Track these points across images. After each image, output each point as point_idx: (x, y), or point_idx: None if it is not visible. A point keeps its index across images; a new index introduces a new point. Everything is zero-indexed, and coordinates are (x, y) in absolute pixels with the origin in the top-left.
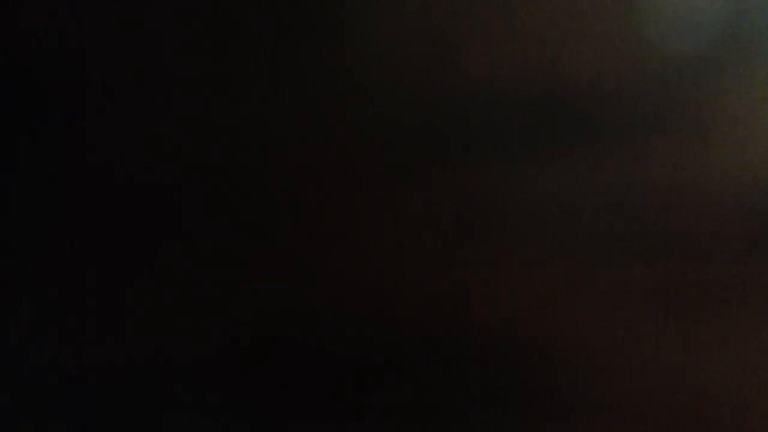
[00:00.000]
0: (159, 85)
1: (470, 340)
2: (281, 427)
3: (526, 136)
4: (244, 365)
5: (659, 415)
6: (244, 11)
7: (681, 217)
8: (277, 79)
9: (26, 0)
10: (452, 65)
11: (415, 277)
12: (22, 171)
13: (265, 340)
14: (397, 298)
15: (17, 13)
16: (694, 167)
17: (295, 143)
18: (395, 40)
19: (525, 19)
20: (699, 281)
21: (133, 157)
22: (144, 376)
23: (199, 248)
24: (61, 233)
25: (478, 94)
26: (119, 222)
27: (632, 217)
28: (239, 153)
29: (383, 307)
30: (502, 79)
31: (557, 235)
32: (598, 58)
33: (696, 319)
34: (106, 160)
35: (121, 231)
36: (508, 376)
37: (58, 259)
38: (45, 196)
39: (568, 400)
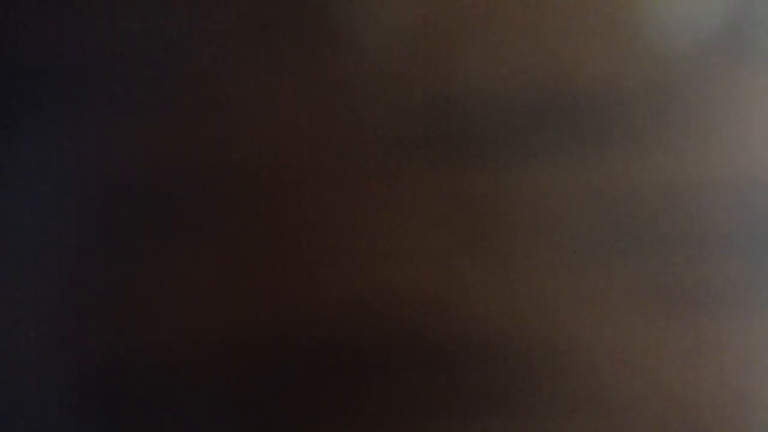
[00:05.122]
0: (158, 84)
1: (468, 340)
2: (279, 426)
3: (525, 136)
4: (242, 364)
5: (659, 415)
6: (242, 11)
7: (681, 217)
8: (277, 78)
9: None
10: (451, 65)
11: (413, 277)
12: (22, 171)
13: (264, 339)
14: (395, 298)
15: (17, 14)
16: (694, 167)
17: (294, 143)
18: (394, 39)
19: (525, 19)
20: (698, 281)
21: (133, 156)
22: (143, 375)
23: (198, 248)
24: (60, 232)
25: (477, 94)
26: (118, 221)
27: (632, 217)
28: (239, 153)
29: (381, 308)
30: (501, 79)
31: (557, 235)
32: (598, 58)
33: (695, 319)
34: (105, 158)
35: (120, 230)
36: (507, 377)
37: (58, 259)
38: (45, 195)
39: (567, 400)
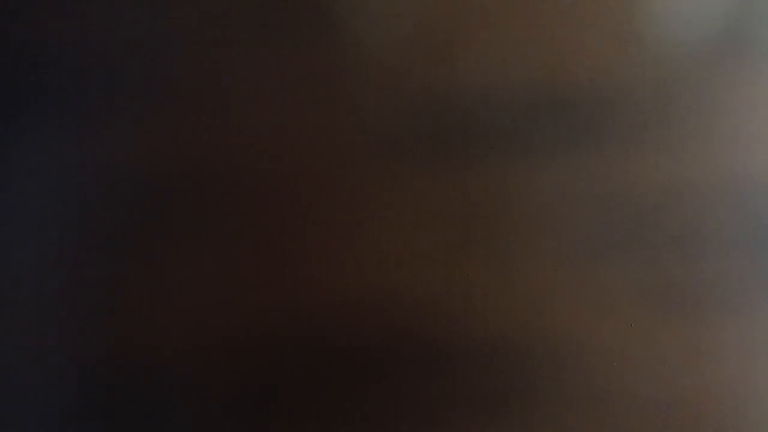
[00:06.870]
0: (158, 84)
1: (468, 340)
2: (279, 426)
3: (525, 135)
4: (241, 364)
5: (659, 415)
6: (242, 11)
7: (680, 217)
8: (277, 78)
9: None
10: (451, 65)
11: (413, 277)
12: (21, 170)
13: (263, 339)
14: (394, 298)
15: (17, 13)
16: (694, 167)
17: (294, 143)
18: (394, 39)
19: (524, 19)
20: (698, 281)
21: (133, 155)
22: (143, 375)
23: (197, 248)
24: (60, 232)
25: (476, 93)
26: (118, 221)
27: (632, 216)
28: (238, 153)
29: (381, 308)
30: (501, 79)
31: (557, 235)
32: (598, 57)
33: (695, 319)
34: (105, 158)
35: (119, 229)
36: (507, 377)
37: (57, 258)
38: (45, 195)
39: (567, 400)
